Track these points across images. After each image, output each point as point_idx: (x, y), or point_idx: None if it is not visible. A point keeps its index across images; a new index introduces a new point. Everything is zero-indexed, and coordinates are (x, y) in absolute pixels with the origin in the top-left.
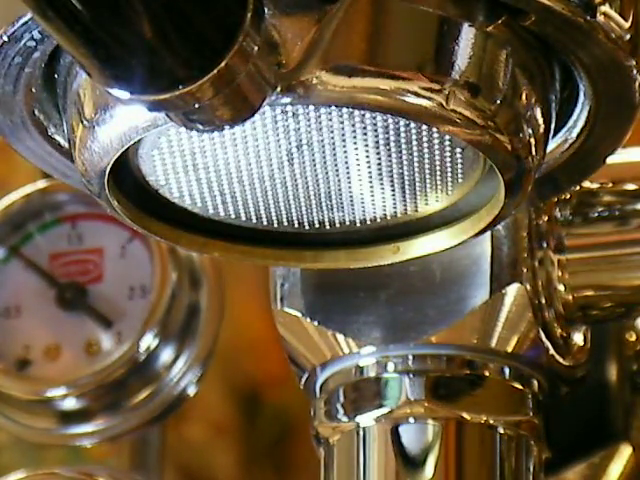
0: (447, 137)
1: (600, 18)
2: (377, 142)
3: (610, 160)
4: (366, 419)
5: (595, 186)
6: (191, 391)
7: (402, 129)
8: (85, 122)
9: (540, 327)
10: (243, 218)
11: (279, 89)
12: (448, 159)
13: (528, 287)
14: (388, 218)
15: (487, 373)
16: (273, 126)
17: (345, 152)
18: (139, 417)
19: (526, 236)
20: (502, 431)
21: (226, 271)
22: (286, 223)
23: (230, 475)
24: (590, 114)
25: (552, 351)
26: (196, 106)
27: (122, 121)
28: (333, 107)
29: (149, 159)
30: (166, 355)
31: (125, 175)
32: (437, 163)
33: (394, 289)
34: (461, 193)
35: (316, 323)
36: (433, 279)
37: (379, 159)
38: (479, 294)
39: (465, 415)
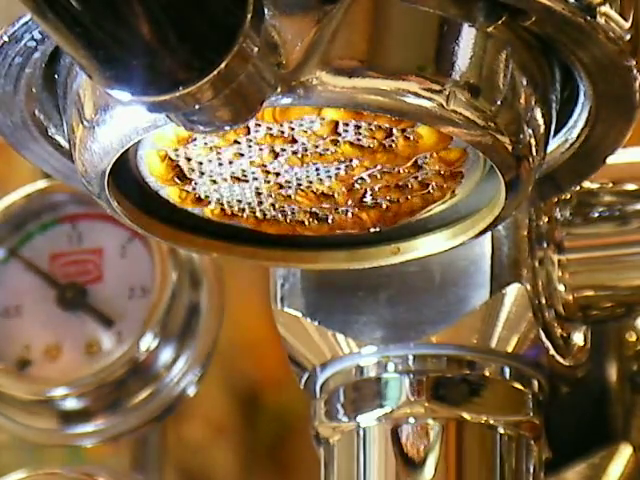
0: None
1: (600, 18)
2: None
3: (610, 160)
4: (366, 419)
5: (595, 186)
6: (191, 391)
7: None
8: (85, 123)
9: (540, 327)
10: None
11: (279, 90)
12: None
13: (528, 287)
14: None
15: (487, 373)
16: None
17: None
18: (139, 417)
19: (526, 236)
20: (502, 431)
21: (226, 271)
22: None
23: (230, 475)
24: (590, 114)
25: (552, 351)
26: (196, 107)
27: (122, 122)
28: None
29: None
30: (166, 355)
31: (125, 175)
32: None
33: (394, 289)
34: (461, 194)
35: (316, 323)
36: (433, 279)
37: None
38: (479, 294)
39: (465, 415)
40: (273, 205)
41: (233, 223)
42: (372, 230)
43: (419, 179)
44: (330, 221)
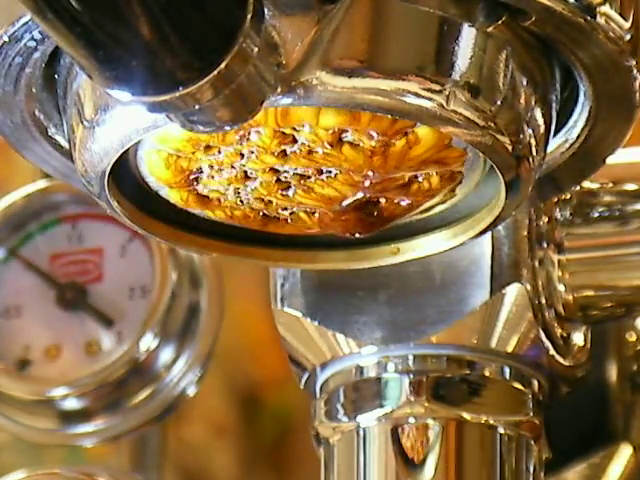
0: None
1: (600, 18)
2: None
3: (610, 160)
4: (366, 419)
5: (595, 186)
6: (191, 391)
7: None
8: (85, 123)
9: (540, 327)
10: None
11: (279, 90)
12: None
13: (528, 287)
14: None
15: (487, 373)
16: None
17: None
18: (139, 417)
19: (526, 236)
20: (502, 431)
21: (226, 271)
22: None
23: (230, 475)
24: (590, 114)
25: (552, 351)
26: (196, 107)
27: (122, 122)
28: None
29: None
30: (166, 355)
31: (125, 175)
32: None
33: (394, 289)
34: (461, 194)
35: (316, 323)
36: (433, 279)
37: None
38: (479, 294)
39: (465, 415)
40: (275, 205)
41: (234, 223)
42: (358, 235)
43: (419, 180)
44: (328, 222)
